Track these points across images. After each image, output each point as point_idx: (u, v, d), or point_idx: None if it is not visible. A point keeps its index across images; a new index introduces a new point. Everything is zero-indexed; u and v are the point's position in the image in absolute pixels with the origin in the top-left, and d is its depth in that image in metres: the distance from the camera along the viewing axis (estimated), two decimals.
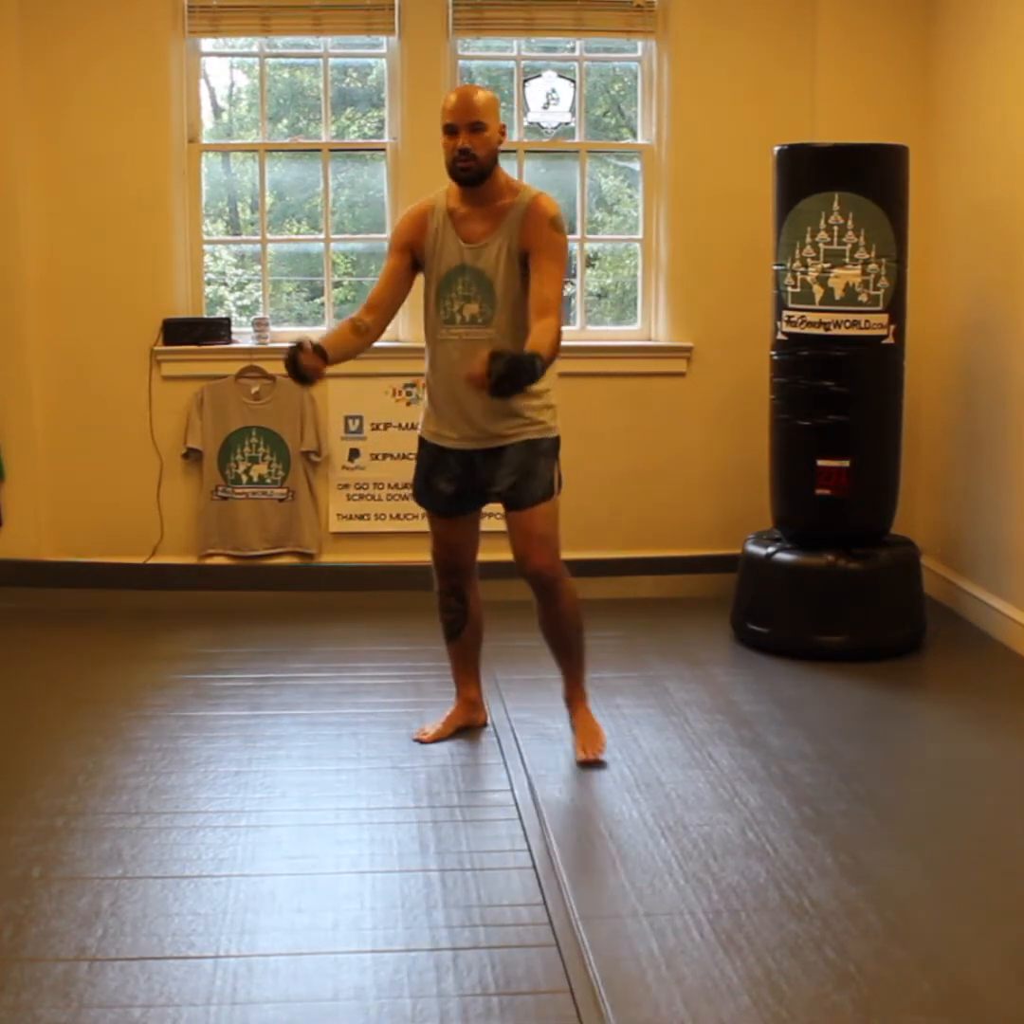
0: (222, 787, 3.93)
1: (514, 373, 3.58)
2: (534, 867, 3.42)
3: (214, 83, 6.34)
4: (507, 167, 6.03)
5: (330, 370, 5.81)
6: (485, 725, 4.40)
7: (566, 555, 6.02)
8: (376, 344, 5.86)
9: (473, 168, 3.96)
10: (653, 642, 5.25)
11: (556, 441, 4.11)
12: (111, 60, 5.68)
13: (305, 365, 3.79)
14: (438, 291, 4.06)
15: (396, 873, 3.40)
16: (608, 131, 6.44)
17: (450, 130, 3.96)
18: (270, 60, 6.06)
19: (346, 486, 5.95)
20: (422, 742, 4.25)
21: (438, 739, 4.28)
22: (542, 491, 4.06)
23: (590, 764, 4.05)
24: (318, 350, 3.85)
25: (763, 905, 3.25)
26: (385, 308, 4.12)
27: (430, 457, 4.17)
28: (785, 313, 5.13)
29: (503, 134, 4.04)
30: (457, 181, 4.04)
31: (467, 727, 4.37)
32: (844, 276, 4.98)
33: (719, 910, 3.21)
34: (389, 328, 5.94)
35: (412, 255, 4.10)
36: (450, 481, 4.13)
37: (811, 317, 5.01)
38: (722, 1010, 2.79)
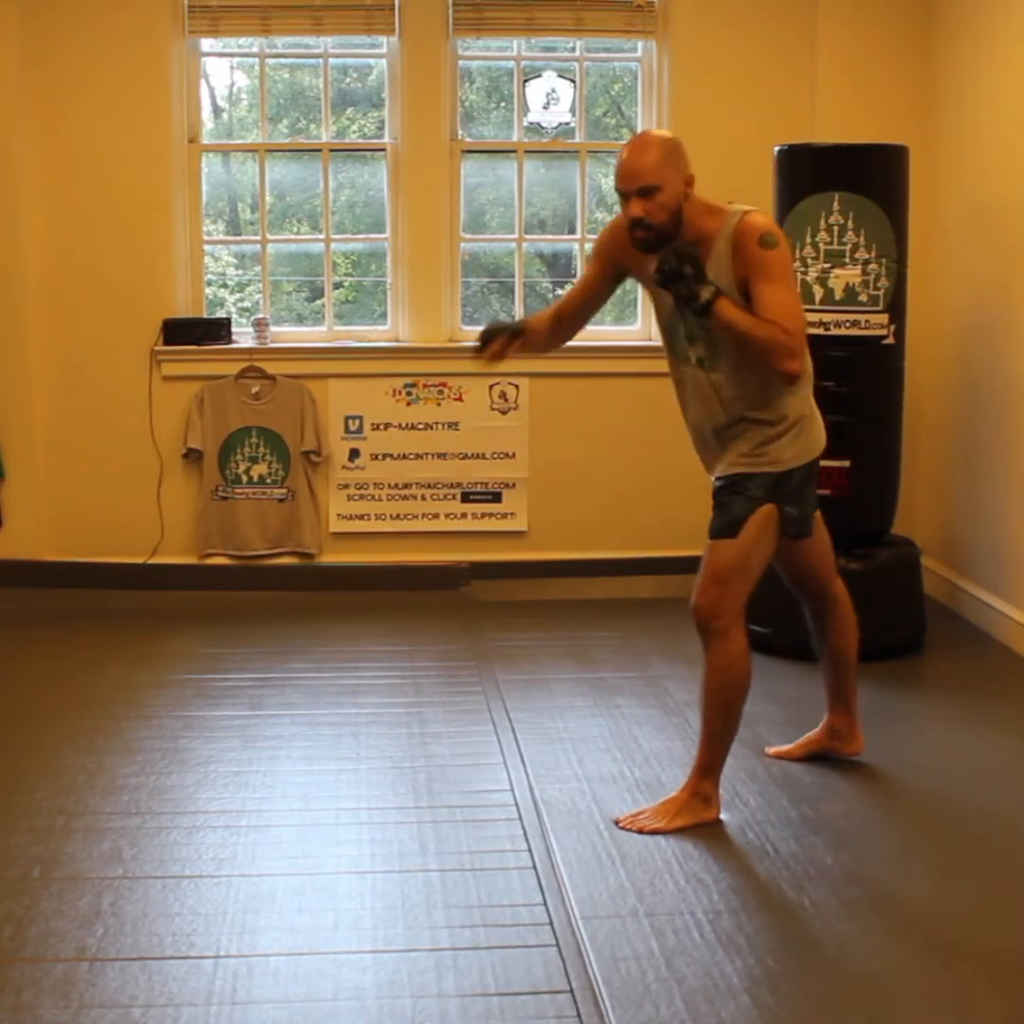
0: (222, 787, 3.93)
1: (677, 275, 3.45)
2: (534, 867, 3.42)
3: (214, 83, 6.34)
4: (509, 168, 6.11)
5: (330, 370, 5.90)
6: (856, 754, 4.08)
7: (566, 555, 6.07)
8: (376, 344, 5.97)
9: (651, 238, 3.52)
10: (653, 642, 5.25)
11: (777, 477, 3.65)
12: (111, 60, 5.68)
13: (492, 352, 3.67)
14: (663, 328, 3.77)
15: (396, 873, 3.40)
16: (608, 131, 6.43)
17: (621, 196, 3.54)
18: (270, 60, 6.06)
19: (346, 486, 5.95)
20: (770, 755, 4.10)
21: (786, 757, 4.09)
22: (724, 524, 3.64)
23: (623, 828, 3.63)
24: (522, 333, 3.70)
25: (763, 905, 3.25)
26: (572, 319, 3.84)
27: None
28: None
29: (689, 184, 3.52)
30: (635, 248, 3.60)
31: (825, 755, 4.08)
32: (844, 276, 4.98)
33: (719, 910, 3.21)
34: (389, 327, 6.02)
35: (617, 270, 3.78)
36: None
37: (811, 317, 4.99)
38: (722, 1010, 2.79)
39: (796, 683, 4.72)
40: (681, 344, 3.72)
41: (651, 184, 3.46)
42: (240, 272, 6.51)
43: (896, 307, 5.06)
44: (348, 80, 6.35)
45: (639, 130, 6.04)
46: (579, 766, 4.08)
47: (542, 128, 6.05)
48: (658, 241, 3.52)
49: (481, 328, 3.76)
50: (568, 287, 3.87)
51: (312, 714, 4.53)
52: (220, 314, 6.10)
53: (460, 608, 5.78)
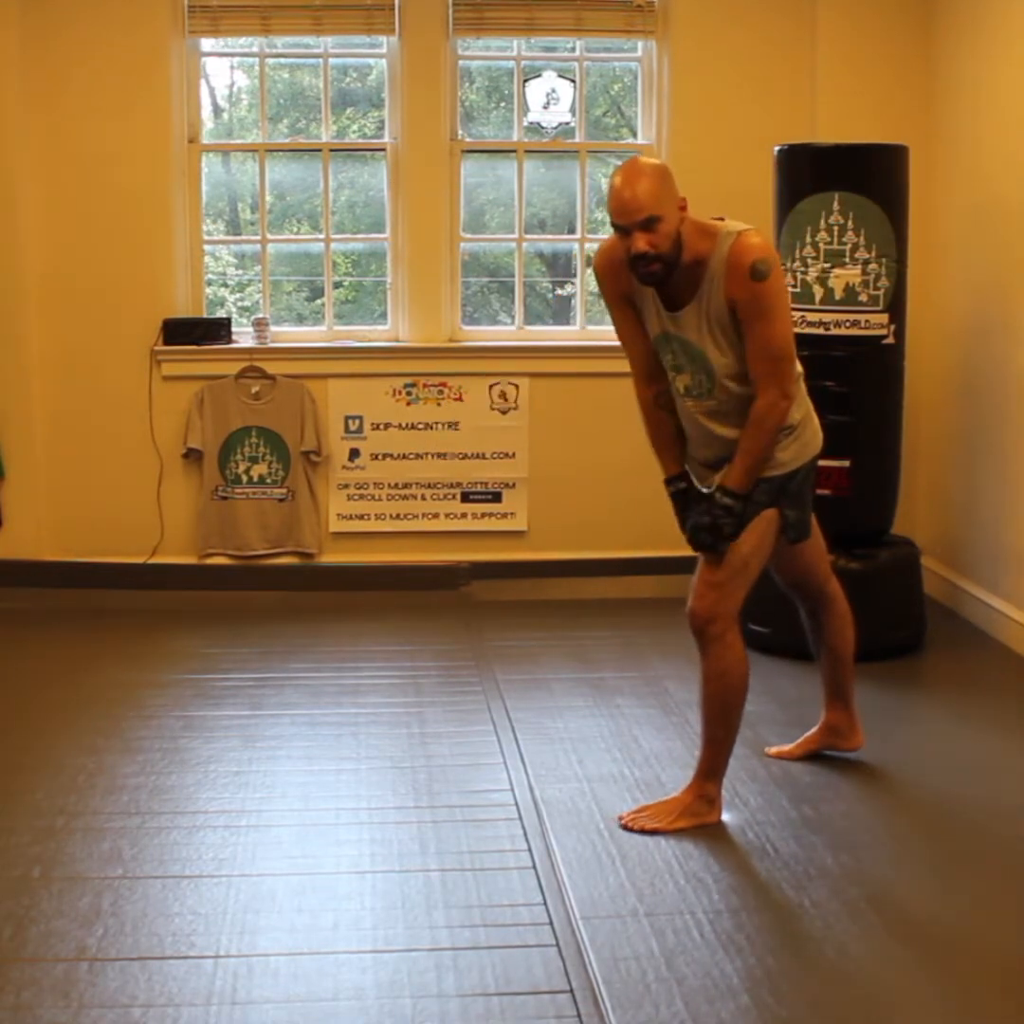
0: (222, 787, 3.93)
1: (718, 535, 3.56)
2: (534, 867, 3.42)
3: (214, 83, 6.35)
4: (509, 168, 6.11)
5: (330, 370, 5.90)
6: (856, 749, 4.11)
7: (564, 554, 6.06)
8: (376, 344, 5.97)
9: (658, 270, 3.42)
10: (653, 642, 5.25)
11: (780, 481, 3.66)
12: (111, 60, 5.68)
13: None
14: (655, 353, 3.70)
15: (396, 873, 3.40)
16: (608, 131, 6.44)
17: (620, 231, 3.43)
18: (270, 60, 6.06)
19: (346, 486, 5.95)
20: (770, 755, 4.10)
21: (786, 757, 4.09)
22: (726, 530, 3.64)
23: (625, 826, 3.64)
24: (681, 478, 3.80)
25: (763, 905, 3.25)
26: (657, 369, 3.71)
27: None
28: None
29: (683, 208, 3.43)
30: (644, 284, 3.53)
31: (822, 752, 4.11)
32: (844, 276, 4.98)
33: (719, 910, 3.21)
34: (389, 327, 6.02)
35: (630, 301, 3.66)
36: None
37: (811, 317, 5.01)
38: (722, 1010, 2.79)
39: (796, 683, 4.72)
40: (671, 373, 3.69)
41: (653, 215, 3.37)
42: (240, 272, 6.52)
43: (896, 307, 5.06)
44: (348, 80, 6.35)
45: (639, 130, 6.06)
46: (579, 766, 4.08)
47: (542, 128, 6.05)
48: (665, 271, 3.44)
49: (687, 531, 3.70)
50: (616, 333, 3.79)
51: (312, 714, 4.53)
52: (220, 314, 6.10)
53: (460, 608, 5.78)
